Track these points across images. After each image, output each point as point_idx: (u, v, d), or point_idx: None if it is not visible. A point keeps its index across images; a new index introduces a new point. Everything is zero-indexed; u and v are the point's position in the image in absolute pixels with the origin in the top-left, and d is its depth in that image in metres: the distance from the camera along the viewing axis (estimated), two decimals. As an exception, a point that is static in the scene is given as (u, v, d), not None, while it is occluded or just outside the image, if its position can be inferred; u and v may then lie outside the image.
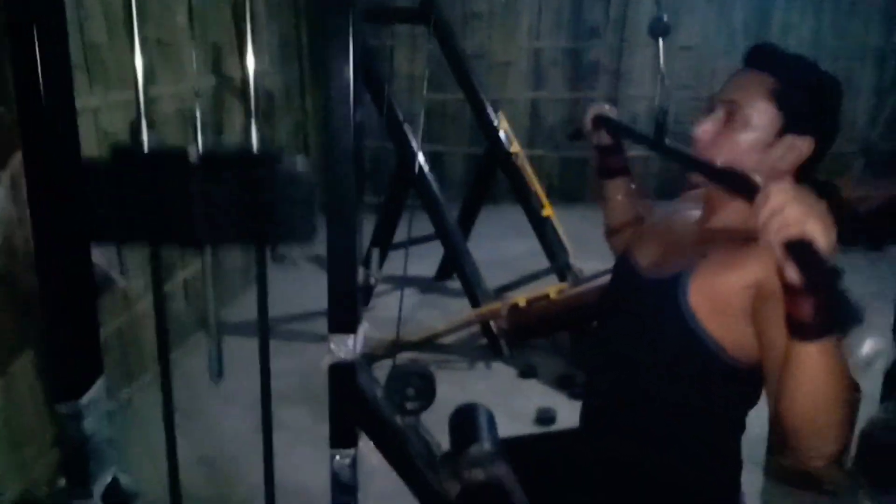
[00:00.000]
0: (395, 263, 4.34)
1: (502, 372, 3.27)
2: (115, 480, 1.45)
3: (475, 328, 3.53)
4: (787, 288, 0.85)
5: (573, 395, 2.97)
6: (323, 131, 5.18)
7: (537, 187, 3.96)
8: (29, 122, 1.23)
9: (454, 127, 6.27)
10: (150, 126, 1.29)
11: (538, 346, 3.45)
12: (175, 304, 3.23)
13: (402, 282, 3.83)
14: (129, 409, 2.56)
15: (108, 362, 2.68)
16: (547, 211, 3.93)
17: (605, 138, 1.49)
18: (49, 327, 1.34)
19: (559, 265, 3.81)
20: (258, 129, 1.32)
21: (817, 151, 1.13)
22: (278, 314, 3.52)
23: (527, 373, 3.20)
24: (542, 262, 3.91)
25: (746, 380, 1.13)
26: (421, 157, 3.64)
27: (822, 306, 0.84)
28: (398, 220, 3.92)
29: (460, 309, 3.63)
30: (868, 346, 0.82)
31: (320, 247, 1.24)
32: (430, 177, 3.62)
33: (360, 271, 1.30)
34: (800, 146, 1.11)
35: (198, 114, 1.41)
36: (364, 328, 1.34)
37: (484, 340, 3.49)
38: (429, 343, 3.43)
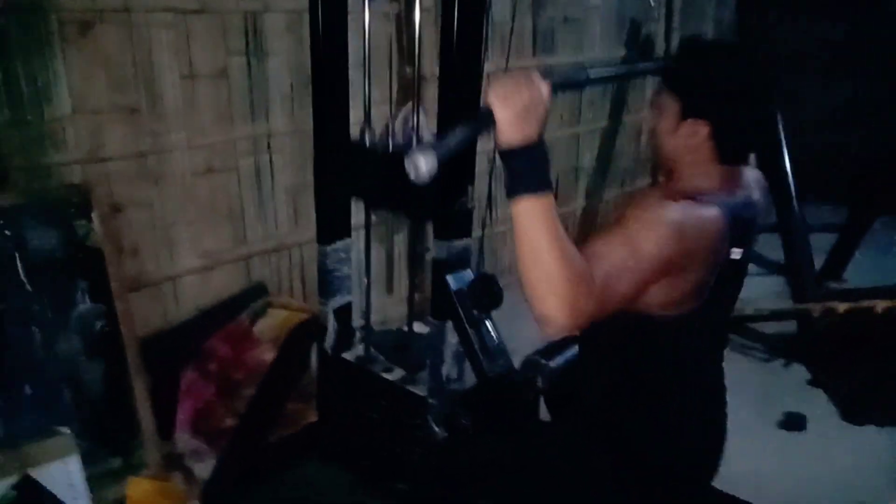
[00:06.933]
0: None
1: (794, 372, 3.18)
2: (348, 304, 2.29)
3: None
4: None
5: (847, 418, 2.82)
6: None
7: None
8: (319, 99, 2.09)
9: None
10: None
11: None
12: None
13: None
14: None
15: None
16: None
17: None
18: (320, 208, 2.22)
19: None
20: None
21: (718, 132, 1.22)
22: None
23: (811, 382, 3.08)
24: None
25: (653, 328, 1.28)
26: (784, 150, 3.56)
27: (510, 173, 1.08)
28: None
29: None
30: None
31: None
32: (787, 170, 3.53)
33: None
34: (698, 130, 1.24)
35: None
36: (465, 242, 1.90)
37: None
38: (738, 323, 3.47)
